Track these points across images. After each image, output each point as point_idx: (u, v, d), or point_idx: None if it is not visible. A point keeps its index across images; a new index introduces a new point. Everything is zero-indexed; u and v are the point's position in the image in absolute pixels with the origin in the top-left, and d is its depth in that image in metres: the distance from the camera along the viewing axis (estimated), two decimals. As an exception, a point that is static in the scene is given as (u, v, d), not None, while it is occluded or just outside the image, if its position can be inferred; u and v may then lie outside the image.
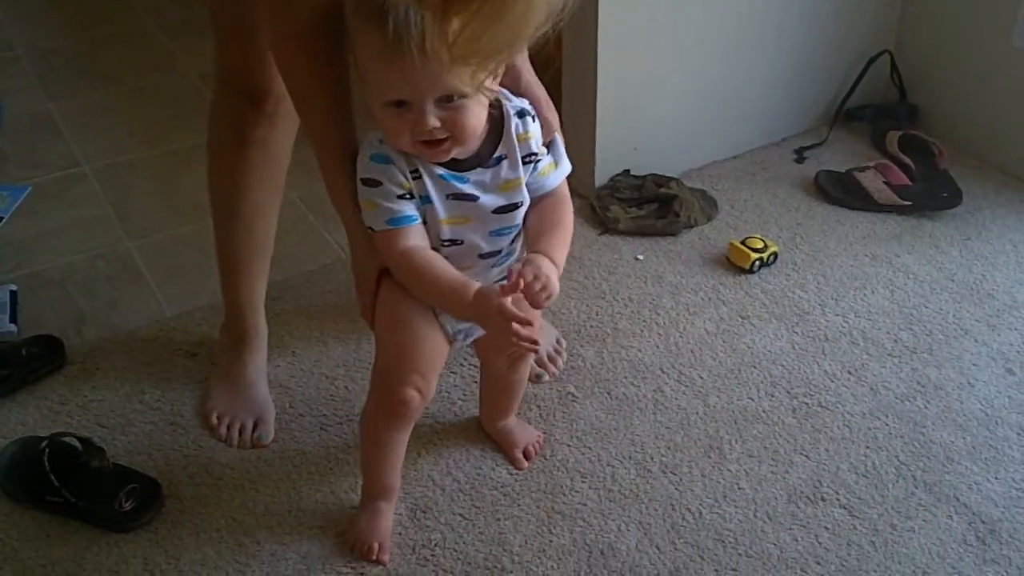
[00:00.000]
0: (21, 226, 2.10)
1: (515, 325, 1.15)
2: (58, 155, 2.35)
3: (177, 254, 2.01)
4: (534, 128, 1.24)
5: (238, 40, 1.41)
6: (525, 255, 1.25)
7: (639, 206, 2.08)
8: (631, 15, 1.97)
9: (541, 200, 1.28)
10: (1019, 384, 1.68)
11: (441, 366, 1.37)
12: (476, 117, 1.15)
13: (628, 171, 2.15)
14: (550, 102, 1.32)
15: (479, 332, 1.36)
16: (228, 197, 1.57)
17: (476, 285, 1.19)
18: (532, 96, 1.29)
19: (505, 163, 1.22)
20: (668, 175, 2.14)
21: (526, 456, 1.55)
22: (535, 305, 1.18)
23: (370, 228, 1.22)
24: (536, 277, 1.16)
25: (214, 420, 1.61)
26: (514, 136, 1.22)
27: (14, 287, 1.87)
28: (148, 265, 1.99)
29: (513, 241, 1.30)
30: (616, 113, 2.07)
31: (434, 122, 1.11)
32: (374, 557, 1.40)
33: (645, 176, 2.13)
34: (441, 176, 1.20)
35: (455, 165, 1.20)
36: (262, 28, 1.34)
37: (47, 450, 1.47)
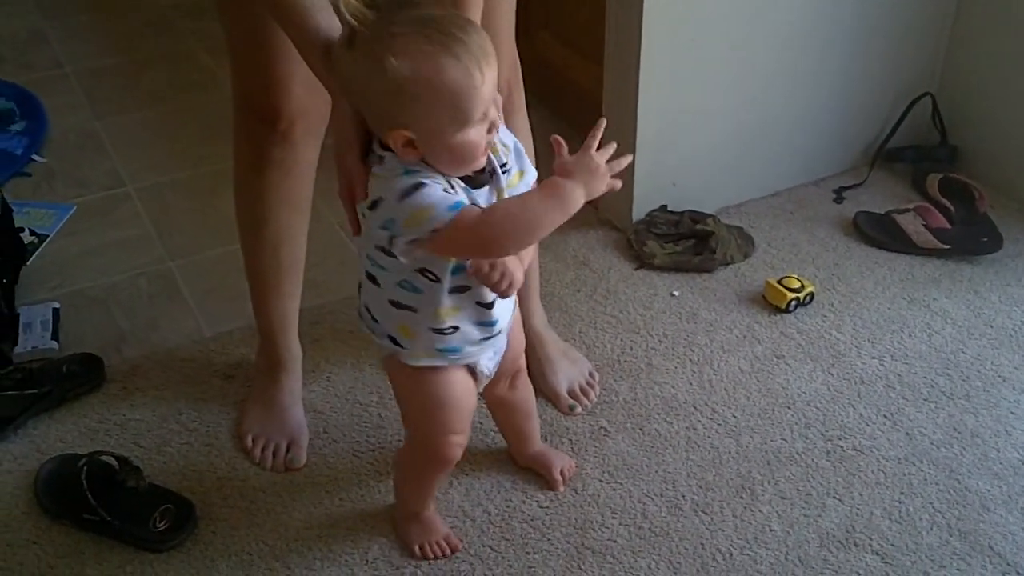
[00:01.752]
0: (65, 244, 2.13)
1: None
2: (103, 174, 2.39)
3: (217, 274, 2.03)
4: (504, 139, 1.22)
5: (252, 61, 1.42)
6: None
7: (675, 242, 2.08)
8: (673, 50, 1.98)
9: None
10: (1057, 434, 1.66)
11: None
12: None
13: (665, 206, 2.15)
14: None
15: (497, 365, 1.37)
16: (252, 219, 1.58)
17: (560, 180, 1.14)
18: None
19: (502, 175, 1.19)
20: (705, 211, 2.14)
21: (562, 475, 1.57)
22: (499, 295, 1.20)
23: (434, 231, 1.11)
24: (492, 267, 1.16)
25: (248, 442, 1.63)
26: (500, 145, 1.19)
27: (57, 305, 1.90)
28: (188, 284, 2.02)
29: None
30: (655, 147, 2.07)
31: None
32: (447, 547, 1.46)
33: (682, 212, 2.14)
34: (464, 189, 1.16)
35: (468, 181, 1.16)
36: (275, 50, 1.37)
37: (85, 468, 1.50)
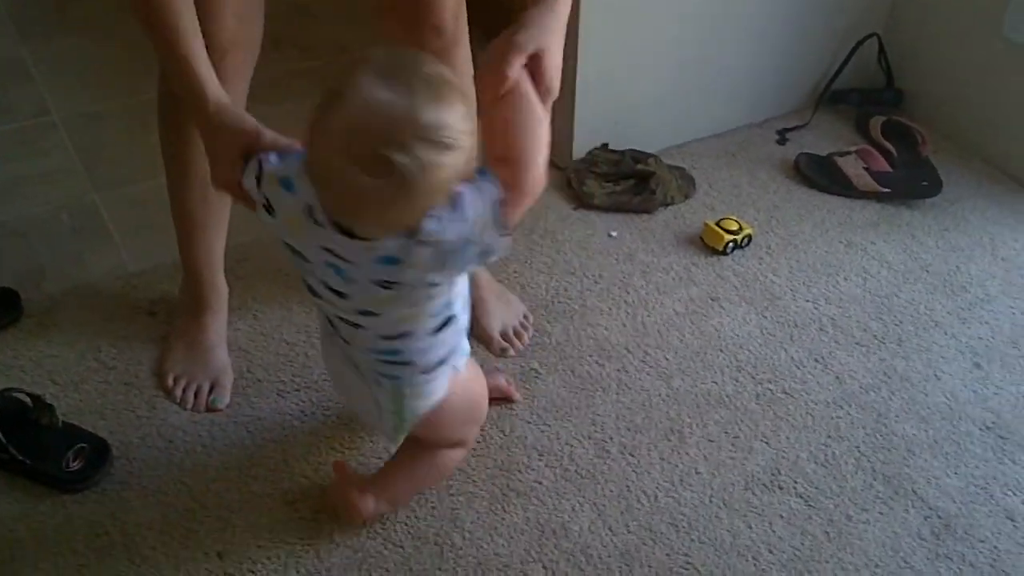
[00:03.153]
0: (-15, 174, 2.06)
1: None
2: (28, 101, 2.30)
3: (144, 208, 1.96)
4: None
5: None
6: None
7: (616, 182, 2.05)
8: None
9: None
10: (985, 379, 1.67)
11: None
12: None
13: (607, 145, 2.12)
14: None
15: None
16: (178, 155, 1.52)
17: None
18: None
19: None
20: (647, 151, 2.11)
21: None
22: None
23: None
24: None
25: (169, 382, 1.59)
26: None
27: (-27, 236, 1.84)
28: (113, 219, 1.95)
29: None
30: (597, 86, 2.03)
31: None
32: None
33: (624, 151, 2.10)
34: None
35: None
36: None
37: (-5, 405, 1.45)
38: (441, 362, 1.23)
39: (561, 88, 2.02)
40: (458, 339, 1.24)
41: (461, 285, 1.19)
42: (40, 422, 1.46)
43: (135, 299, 1.76)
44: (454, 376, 1.28)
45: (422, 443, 1.38)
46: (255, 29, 1.40)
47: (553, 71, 1.13)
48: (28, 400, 1.47)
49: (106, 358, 1.64)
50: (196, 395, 1.57)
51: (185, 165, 1.51)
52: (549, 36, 1.13)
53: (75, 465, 1.43)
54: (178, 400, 1.57)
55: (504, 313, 1.72)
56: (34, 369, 1.61)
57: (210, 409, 1.56)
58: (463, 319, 1.22)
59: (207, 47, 1.37)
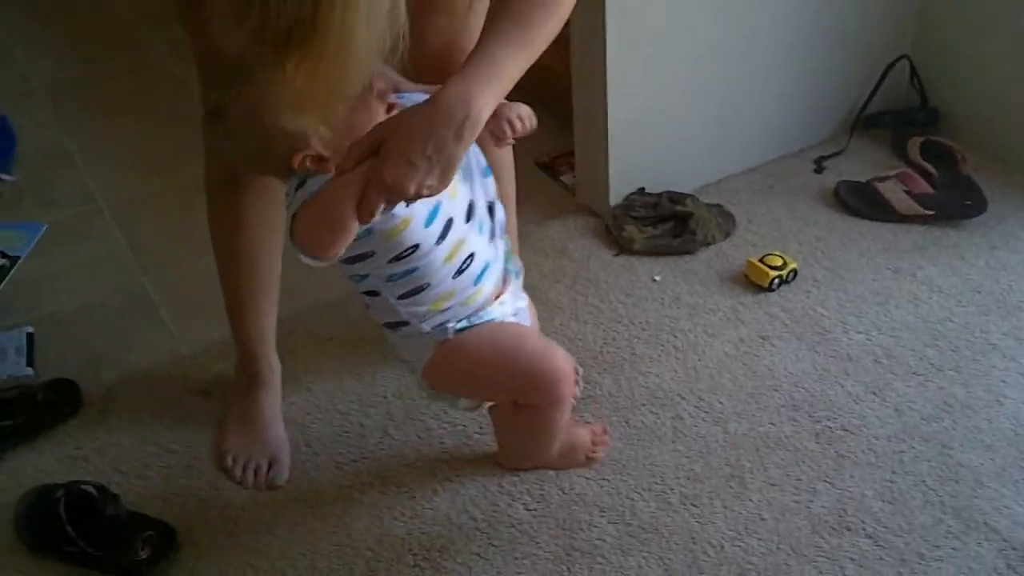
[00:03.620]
0: (37, 266, 2.10)
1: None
2: (73, 190, 2.35)
3: (191, 288, 2.00)
4: None
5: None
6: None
7: (655, 225, 2.05)
8: (640, 29, 1.94)
9: None
10: (1049, 401, 1.64)
11: None
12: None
13: (643, 189, 2.12)
14: None
15: None
16: (227, 238, 1.56)
17: None
18: None
19: None
20: (683, 192, 2.11)
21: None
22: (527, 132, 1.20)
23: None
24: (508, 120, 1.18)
25: (228, 462, 1.60)
26: None
27: (30, 329, 1.87)
28: (163, 301, 1.99)
29: None
30: (628, 130, 2.04)
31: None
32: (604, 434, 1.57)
33: (660, 194, 2.10)
34: None
35: None
36: None
37: (63, 499, 1.47)
38: (401, 324, 1.27)
39: (594, 135, 2.04)
40: (453, 294, 1.26)
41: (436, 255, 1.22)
42: (106, 512, 1.48)
43: (190, 380, 1.78)
44: (450, 354, 1.30)
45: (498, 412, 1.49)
46: None
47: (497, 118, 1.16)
48: (94, 491, 1.49)
49: (165, 442, 1.66)
50: (256, 473, 1.59)
51: (233, 244, 1.54)
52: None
53: (144, 554, 1.44)
54: (238, 480, 1.59)
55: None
56: (97, 458, 1.63)
57: (270, 487, 1.58)
58: (462, 280, 1.26)
59: None
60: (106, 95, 2.77)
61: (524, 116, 1.20)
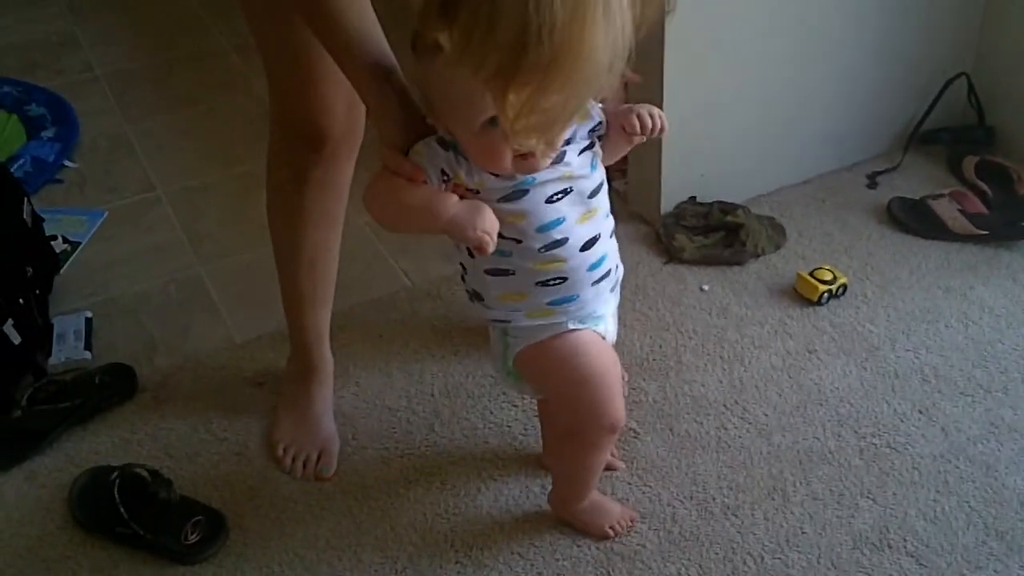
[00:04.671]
0: (97, 252, 2.15)
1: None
2: (134, 178, 2.41)
3: (247, 279, 2.04)
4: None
5: (294, 84, 1.41)
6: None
7: (705, 234, 2.05)
8: (698, 38, 1.94)
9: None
10: (1098, 427, 1.62)
11: None
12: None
13: (694, 198, 2.13)
14: None
15: None
16: (288, 236, 1.58)
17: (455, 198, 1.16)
18: None
19: (572, 145, 1.19)
20: (735, 202, 2.11)
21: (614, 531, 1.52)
22: (661, 132, 1.24)
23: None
24: (637, 112, 1.22)
25: (280, 451, 1.64)
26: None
27: (89, 314, 1.92)
28: (219, 291, 2.03)
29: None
30: (682, 138, 2.03)
31: None
32: (630, 519, 1.50)
33: (711, 203, 2.11)
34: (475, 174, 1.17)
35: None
36: (319, 72, 1.36)
37: (117, 481, 1.52)
38: (494, 313, 1.28)
39: (647, 143, 2.06)
40: (524, 295, 1.25)
41: (532, 257, 1.21)
42: (159, 496, 1.51)
43: (243, 370, 1.82)
44: (531, 354, 1.30)
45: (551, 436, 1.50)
46: (361, 112, 1.45)
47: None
48: (147, 475, 1.53)
49: (218, 430, 1.70)
50: (305, 465, 1.62)
51: (295, 244, 1.57)
52: None
53: (193, 538, 1.48)
54: (287, 470, 1.62)
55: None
56: (150, 443, 1.68)
57: (318, 478, 1.61)
58: (540, 291, 1.24)
59: (320, 141, 1.42)
60: (168, 85, 2.83)
61: (655, 115, 1.23)
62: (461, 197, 1.16)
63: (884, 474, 1.57)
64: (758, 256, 2.02)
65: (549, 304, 1.26)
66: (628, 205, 2.16)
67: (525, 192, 1.18)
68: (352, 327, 1.88)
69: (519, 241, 1.20)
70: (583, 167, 1.21)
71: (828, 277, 1.90)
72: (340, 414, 1.71)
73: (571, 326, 1.28)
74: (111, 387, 1.74)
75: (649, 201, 2.11)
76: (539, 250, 1.21)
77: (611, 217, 1.29)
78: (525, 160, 1.14)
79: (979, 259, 1.99)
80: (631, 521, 1.50)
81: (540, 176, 1.17)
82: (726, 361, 1.79)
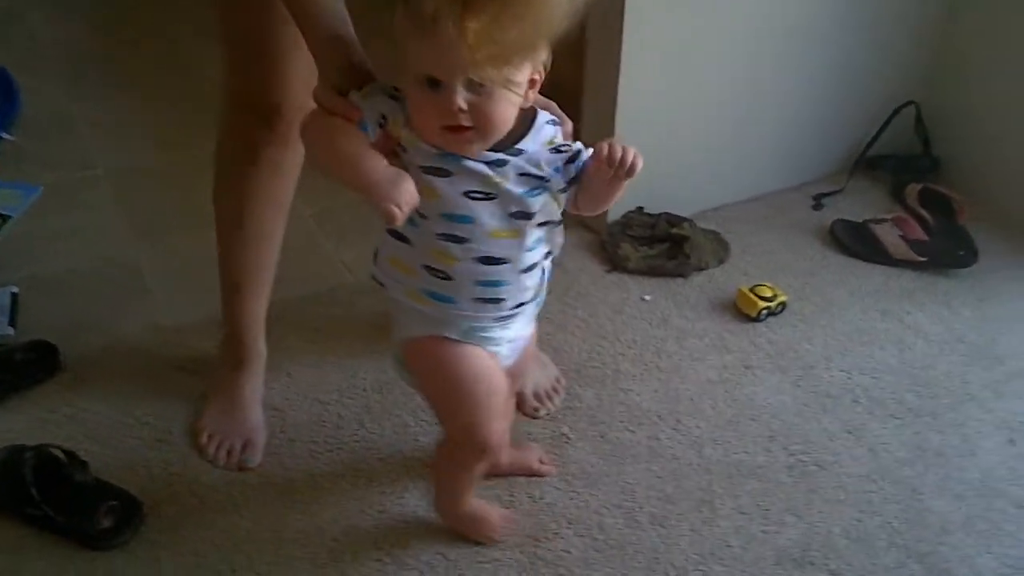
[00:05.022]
0: (30, 227, 2.10)
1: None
2: (74, 156, 2.35)
3: (182, 264, 2.00)
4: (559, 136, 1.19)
5: (251, 58, 1.39)
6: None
7: (650, 245, 2.05)
8: (654, 49, 1.95)
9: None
10: (1020, 456, 1.64)
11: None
12: (505, 111, 1.09)
13: (642, 208, 2.13)
14: (554, 104, 1.23)
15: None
16: (234, 214, 1.55)
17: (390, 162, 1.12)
18: (540, 102, 1.21)
19: (521, 159, 1.15)
20: (682, 215, 2.11)
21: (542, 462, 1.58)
22: (630, 172, 1.14)
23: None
24: (611, 145, 1.12)
25: (204, 439, 1.60)
26: (542, 138, 1.16)
27: (15, 289, 1.87)
28: (153, 274, 1.98)
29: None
30: (635, 147, 2.04)
31: (462, 103, 1.05)
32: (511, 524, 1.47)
33: (659, 214, 2.11)
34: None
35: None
36: (280, 45, 1.34)
37: (31, 461, 1.47)
38: (377, 272, 1.27)
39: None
40: (410, 270, 1.22)
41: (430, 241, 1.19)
42: (74, 478, 1.47)
43: (171, 355, 1.78)
44: (415, 348, 1.27)
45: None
46: None
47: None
48: (63, 456, 1.49)
49: (141, 414, 1.66)
50: (229, 454, 1.58)
51: (240, 221, 1.54)
52: None
53: (106, 522, 1.44)
54: (210, 458, 1.58)
55: (537, 375, 1.72)
56: (69, 424, 1.63)
57: (241, 468, 1.57)
58: (426, 275, 1.21)
59: (274, 116, 1.40)
60: (119, 65, 2.77)
61: (629, 151, 1.14)
62: (391, 153, 1.13)
63: (811, 491, 1.57)
64: (701, 270, 2.03)
65: (428, 295, 1.22)
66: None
67: (447, 173, 1.13)
68: (288, 319, 1.85)
69: (424, 216, 1.16)
70: (519, 186, 1.15)
71: (768, 294, 1.90)
72: (270, 405, 1.68)
73: (454, 336, 1.25)
74: (33, 365, 1.69)
75: (596, 209, 2.10)
76: (437, 235, 1.17)
77: (541, 261, 1.24)
78: (455, 134, 1.09)
79: (917, 285, 2.01)
80: (508, 520, 1.49)
81: (469, 164, 1.13)
82: (663, 372, 1.79)
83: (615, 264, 2.03)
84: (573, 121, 1.25)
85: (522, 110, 1.13)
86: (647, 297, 1.96)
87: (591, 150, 1.18)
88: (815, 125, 2.25)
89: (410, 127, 1.12)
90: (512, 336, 1.30)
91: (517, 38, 0.99)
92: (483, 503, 1.49)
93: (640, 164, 1.14)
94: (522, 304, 1.26)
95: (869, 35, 2.17)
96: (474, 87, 1.05)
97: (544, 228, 1.21)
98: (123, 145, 2.40)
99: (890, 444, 1.66)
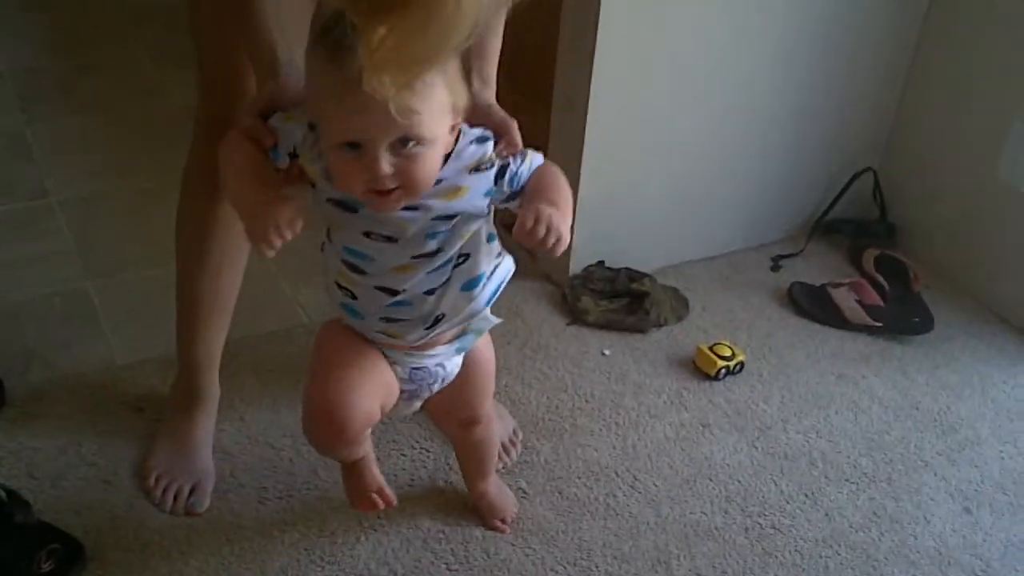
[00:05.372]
0: (-23, 254, 2.05)
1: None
2: (27, 182, 2.30)
3: (136, 299, 1.96)
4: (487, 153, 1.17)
5: (227, 91, 1.37)
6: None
7: (610, 299, 2.05)
8: (621, 107, 1.96)
9: (528, 181, 1.18)
10: (974, 524, 1.65)
11: (389, 401, 1.32)
12: (430, 166, 1.08)
13: (603, 263, 2.13)
14: (513, 122, 1.23)
15: (426, 393, 1.34)
16: (197, 242, 1.51)
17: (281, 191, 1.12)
18: (495, 119, 1.22)
19: (445, 184, 1.14)
20: (642, 271, 2.12)
21: (503, 522, 1.56)
22: (548, 252, 1.09)
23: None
24: (537, 220, 1.07)
25: (152, 481, 1.56)
26: (464, 163, 1.14)
27: (-38, 318, 1.82)
28: (105, 307, 1.94)
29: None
30: (596, 204, 2.05)
31: (386, 168, 1.04)
32: (382, 504, 1.37)
33: (620, 269, 2.11)
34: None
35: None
36: (254, 81, 1.32)
37: (-30, 499, 1.42)
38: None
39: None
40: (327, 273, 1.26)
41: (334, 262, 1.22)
42: (14, 518, 1.42)
43: (122, 393, 1.73)
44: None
45: None
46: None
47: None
48: (3, 494, 1.44)
49: (87, 453, 1.61)
50: (176, 497, 1.54)
51: (201, 253, 1.51)
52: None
53: (47, 567, 1.38)
54: (157, 501, 1.54)
55: (497, 425, 1.70)
56: (12, 461, 1.57)
57: (189, 512, 1.53)
58: (335, 289, 1.25)
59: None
60: (77, 89, 2.73)
61: (553, 231, 1.09)
62: (300, 179, 1.15)
63: (767, 554, 1.57)
64: (661, 326, 2.03)
65: (340, 304, 1.26)
66: (537, 263, 2.15)
67: (353, 210, 1.14)
68: (242, 358, 1.81)
69: (330, 240, 1.21)
70: (428, 229, 1.15)
71: (727, 353, 1.91)
72: (220, 448, 1.64)
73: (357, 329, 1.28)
74: (-25, 398, 1.64)
75: (559, 261, 2.09)
76: (340, 260, 1.21)
77: (454, 277, 1.22)
78: (382, 196, 1.08)
79: (872, 350, 2.03)
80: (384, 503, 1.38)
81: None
82: (621, 428, 1.78)
83: (575, 317, 2.03)
84: None
85: None
86: (606, 351, 1.96)
87: (530, 161, 1.18)
88: (776, 188, 2.27)
89: (316, 163, 1.12)
90: (417, 363, 1.30)
91: (416, 49, 0.95)
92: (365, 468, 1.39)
93: (560, 250, 1.10)
94: (437, 321, 1.24)
95: (830, 102, 2.21)
96: (396, 148, 1.05)
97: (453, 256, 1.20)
98: (78, 172, 2.35)
99: (845, 509, 1.66)
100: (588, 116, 1.94)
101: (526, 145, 1.22)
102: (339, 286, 1.23)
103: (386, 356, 1.29)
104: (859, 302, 2.07)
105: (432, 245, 1.17)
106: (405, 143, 1.04)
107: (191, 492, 1.54)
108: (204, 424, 1.62)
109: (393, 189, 1.07)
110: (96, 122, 2.58)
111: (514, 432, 1.73)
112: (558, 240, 1.08)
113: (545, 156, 2.08)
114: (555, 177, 1.18)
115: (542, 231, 1.07)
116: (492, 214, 1.21)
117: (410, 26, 0.91)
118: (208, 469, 1.58)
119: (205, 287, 1.55)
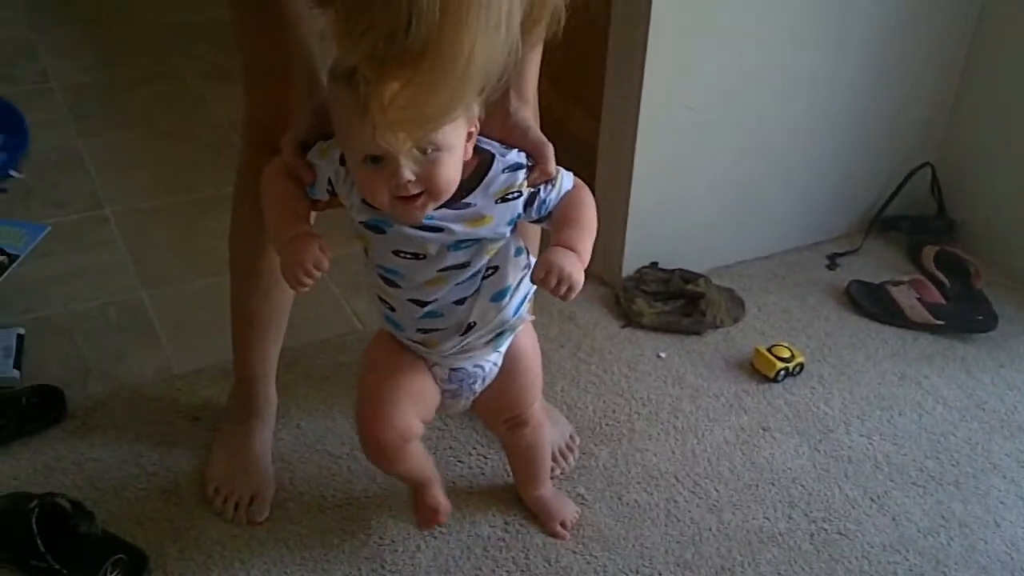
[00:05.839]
0: (36, 267, 2.06)
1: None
2: (82, 195, 2.32)
3: (191, 308, 1.97)
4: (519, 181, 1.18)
5: (273, 99, 1.37)
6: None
7: (664, 301, 2.03)
8: (672, 107, 1.94)
9: (556, 207, 1.21)
10: (1047, 528, 1.61)
11: (430, 409, 1.37)
12: (451, 170, 1.10)
13: (656, 264, 2.11)
14: (549, 147, 1.22)
15: (468, 393, 1.37)
16: (249, 257, 1.52)
17: (305, 227, 1.20)
18: (531, 142, 1.21)
19: (472, 211, 1.17)
20: (696, 271, 2.09)
21: (563, 526, 1.55)
22: (560, 299, 1.14)
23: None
24: (548, 272, 1.12)
25: (211, 491, 1.56)
26: (494, 191, 1.16)
27: (22, 331, 1.83)
28: (160, 318, 1.95)
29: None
30: (649, 204, 2.03)
31: (409, 175, 1.07)
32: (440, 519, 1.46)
33: (673, 270, 2.09)
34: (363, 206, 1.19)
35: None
36: (298, 88, 1.33)
37: (36, 510, 1.42)
38: None
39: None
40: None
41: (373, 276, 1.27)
42: (79, 530, 1.42)
43: (179, 403, 1.74)
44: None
45: None
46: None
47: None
48: (68, 506, 1.44)
49: (147, 464, 1.61)
50: (237, 506, 1.54)
51: (252, 272, 1.51)
52: None
53: (112, 578, 1.39)
54: (218, 511, 1.54)
55: (551, 432, 1.69)
56: (75, 472, 1.59)
57: (250, 522, 1.53)
58: (378, 302, 1.31)
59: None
60: (125, 103, 2.76)
61: (564, 281, 1.14)
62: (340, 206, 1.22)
63: (834, 561, 1.53)
64: (717, 327, 2.00)
65: (382, 315, 1.31)
66: (589, 265, 2.13)
67: (381, 231, 1.19)
68: (298, 368, 1.82)
69: (367, 256, 1.26)
70: (453, 249, 1.19)
71: (786, 355, 1.88)
72: (278, 457, 1.64)
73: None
74: (38, 409, 1.65)
75: (611, 263, 2.09)
76: (377, 274, 1.26)
77: (483, 286, 1.25)
78: (407, 203, 1.11)
79: (935, 349, 1.99)
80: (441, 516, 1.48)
81: (405, 229, 1.17)
82: (679, 432, 1.76)
83: (629, 319, 2.01)
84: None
85: (479, 160, 1.16)
86: (662, 354, 1.94)
87: (560, 186, 1.20)
88: (831, 184, 2.24)
89: (350, 196, 1.18)
90: (456, 364, 1.33)
91: (429, 106, 0.98)
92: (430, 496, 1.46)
93: (572, 296, 1.14)
94: (469, 329, 1.27)
95: (886, 97, 2.17)
96: (417, 156, 1.07)
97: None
98: (131, 185, 2.37)
99: (913, 513, 1.62)
100: (640, 117, 1.92)
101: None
102: (380, 299, 1.29)
103: (426, 359, 1.34)
104: (920, 300, 2.03)
105: (458, 258, 1.21)
106: (424, 151, 1.07)
107: (251, 501, 1.54)
108: (262, 434, 1.63)
109: (418, 195, 1.10)
110: (146, 135, 2.61)
111: (571, 437, 1.71)
112: (570, 288, 1.14)
113: (595, 158, 2.08)
114: (582, 207, 1.21)
115: (553, 282, 1.12)
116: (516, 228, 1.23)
117: (423, 82, 0.94)
118: (267, 478, 1.58)
119: (258, 304, 1.56)
